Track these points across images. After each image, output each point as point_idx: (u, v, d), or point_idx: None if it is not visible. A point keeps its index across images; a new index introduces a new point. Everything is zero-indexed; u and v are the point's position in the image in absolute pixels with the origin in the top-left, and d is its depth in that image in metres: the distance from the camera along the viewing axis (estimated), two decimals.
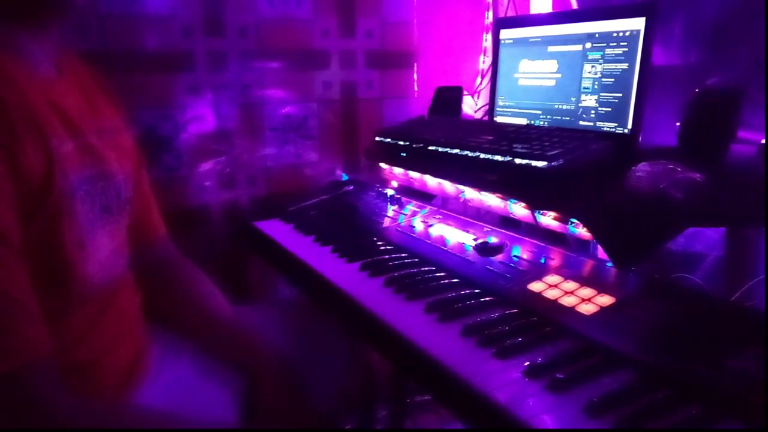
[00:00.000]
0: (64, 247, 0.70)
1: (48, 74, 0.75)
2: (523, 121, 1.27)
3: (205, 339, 0.94)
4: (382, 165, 1.46)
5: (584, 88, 1.12)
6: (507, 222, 1.12)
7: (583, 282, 0.83)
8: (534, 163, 0.96)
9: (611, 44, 1.07)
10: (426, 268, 0.97)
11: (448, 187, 1.24)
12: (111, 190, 0.78)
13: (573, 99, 1.15)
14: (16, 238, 0.62)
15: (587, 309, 0.77)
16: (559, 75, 1.18)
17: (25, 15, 0.71)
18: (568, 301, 0.79)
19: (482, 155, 1.06)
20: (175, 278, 0.99)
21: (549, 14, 1.53)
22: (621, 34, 1.05)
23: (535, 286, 0.85)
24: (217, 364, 0.92)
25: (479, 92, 1.74)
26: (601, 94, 1.09)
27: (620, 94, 1.05)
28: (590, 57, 1.11)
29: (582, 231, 0.96)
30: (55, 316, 0.68)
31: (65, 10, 0.74)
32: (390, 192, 1.38)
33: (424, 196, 1.34)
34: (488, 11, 1.78)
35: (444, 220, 1.17)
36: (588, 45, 1.11)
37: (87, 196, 0.73)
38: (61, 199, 0.68)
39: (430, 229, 1.14)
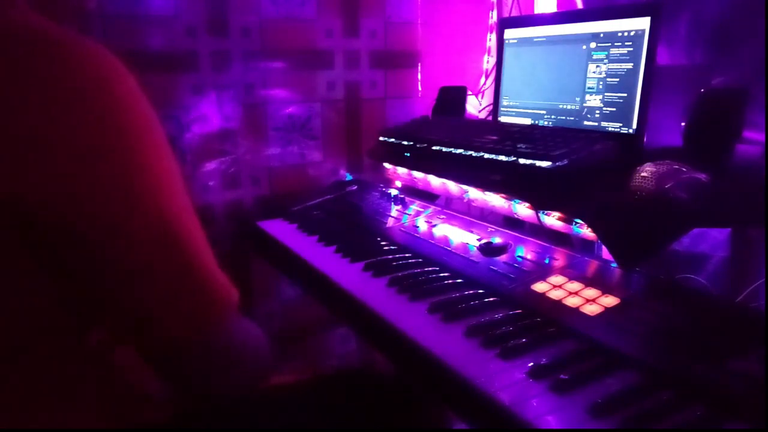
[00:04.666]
0: None
1: None
2: (528, 121, 1.27)
3: None
4: (386, 165, 1.45)
5: (589, 88, 1.12)
6: (511, 222, 1.12)
7: (588, 282, 0.83)
8: (538, 163, 0.96)
9: (616, 44, 1.06)
10: (430, 269, 0.97)
11: (452, 187, 1.24)
12: None
13: (577, 99, 1.14)
14: None
15: (591, 310, 0.76)
16: (563, 75, 1.18)
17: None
18: (572, 301, 0.79)
19: (486, 155, 1.06)
20: None
21: (553, 14, 1.52)
22: (626, 33, 1.05)
23: (539, 287, 0.84)
24: None
25: (483, 92, 1.74)
26: (606, 94, 1.09)
27: (625, 94, 1.05)
28: (595, 57, 1.11)
29: (586, 231, 0.95)
30: None
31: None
32: (394, 192, 1.38)
33: (427, 196, 1.34)
34: (492, 11, 1.78)
35: (448, 220, 1.17)
36: (593, 45, 1.11)
37: None
38: None
39: (434, 229, 1.14)
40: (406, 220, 1.22)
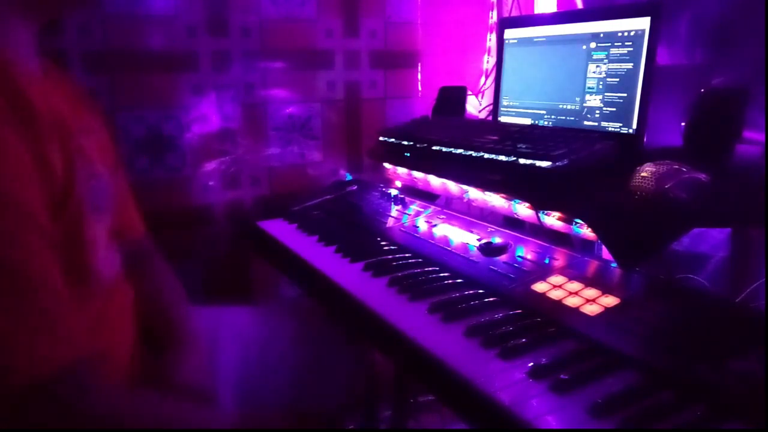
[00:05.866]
0: (83, 245, 0.70)
1: (37, 73, 0.75)
2: (528, 121, 1.27)
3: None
4: (386, 165, 1.45)
5: (589, 88, 1.12)
6: (511, 222, 1.12)
7: (588, 282, 0.83)
8: (538, 163, 0.96)
9: (616, 44, 1.06)
10: (430, 269, 0.97)
11: (452, 187, 1.24)
12: (99, 189, 0.78)
13: (577, 99, 1.14)
14: (48, 229, 0.62)
15: (591, 310, 0.76)
16: (563, 75, 1.18)
17: (49, 8, 0.71)
18: (572, 301, 0.79)
19: (486, 155, 1.06)
20: (144, 281, 0.96)
21: (553, 14, 1.52)
22: (626, 33, 1.05)
23: (540, 287, 0.84)
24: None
25: (483, 92, 1.74)
26: (606, 94, 1.09)
27: (625, 94, 1.05)
28: (595, 57, 1.11)
29: (586, 231, 0.95)
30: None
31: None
32: (394, 192, 1.38)
33: (427, 196, 1.34)
34: (492, 11, 1.78)
35: (448, 220, 1.17)
36: (593, 45, 1.11)
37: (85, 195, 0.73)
38: (80, 198, 0.69)
39: (434, 229, 1.14)
40: (406, 220, 1.22)
